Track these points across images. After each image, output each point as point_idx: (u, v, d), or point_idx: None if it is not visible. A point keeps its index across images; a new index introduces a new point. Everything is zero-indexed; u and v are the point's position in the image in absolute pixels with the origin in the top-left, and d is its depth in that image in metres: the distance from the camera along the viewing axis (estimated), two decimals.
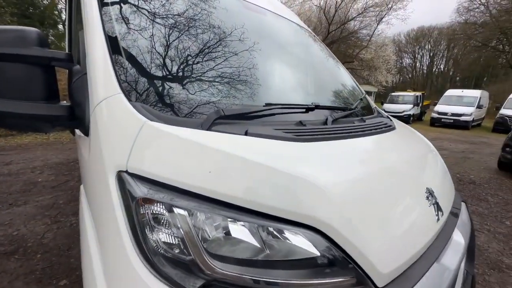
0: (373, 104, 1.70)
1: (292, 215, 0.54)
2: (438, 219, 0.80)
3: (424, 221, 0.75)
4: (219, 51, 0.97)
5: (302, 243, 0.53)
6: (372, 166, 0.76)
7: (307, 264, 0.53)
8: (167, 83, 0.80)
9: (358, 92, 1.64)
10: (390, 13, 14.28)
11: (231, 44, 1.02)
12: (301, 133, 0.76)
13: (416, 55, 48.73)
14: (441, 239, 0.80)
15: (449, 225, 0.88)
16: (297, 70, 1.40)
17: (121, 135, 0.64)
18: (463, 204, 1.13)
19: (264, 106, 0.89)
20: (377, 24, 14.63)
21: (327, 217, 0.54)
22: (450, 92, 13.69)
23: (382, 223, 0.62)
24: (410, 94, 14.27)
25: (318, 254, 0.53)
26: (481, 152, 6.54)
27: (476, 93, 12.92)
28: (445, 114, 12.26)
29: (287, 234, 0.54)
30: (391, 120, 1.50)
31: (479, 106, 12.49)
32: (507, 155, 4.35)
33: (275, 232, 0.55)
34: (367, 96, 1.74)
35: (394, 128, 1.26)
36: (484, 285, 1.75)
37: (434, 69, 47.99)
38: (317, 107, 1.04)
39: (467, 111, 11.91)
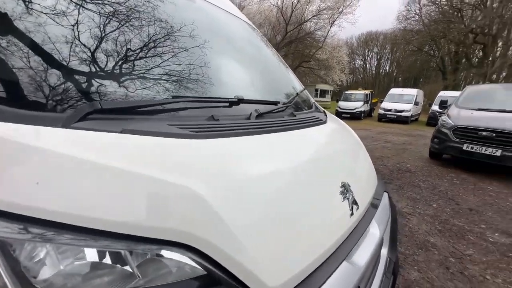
0: (311, 99, 1.71)
1: (162, 233, 0.44)
2: (352, 214, 0.79)
3: (335, 218, 0.72)
4: (99, 22, 0.74)
5: (176, 266, 0.43)
6: (282, 163, 0.71)
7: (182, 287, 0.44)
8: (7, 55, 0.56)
9: (296, 87, 1.62)
10: (341, 17, 15.34)
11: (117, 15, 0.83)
12: (204, 129, 0.66)
13: (366, 57, 53.53)
14: (356, 234, 0.79)
15: (366, 218, 0.88)
16: (222, 60, 1.27)
17: None
18: (385, 194, 1.18)
19: (171, 99, 0.78)
20: (330, 26, 15.60)
21: (204, 232, 0.46)
22: (393, 90, 15.29)
23: (282, 227, 0.57)
24: (361, 93, 15.56)
25: (194, 275, 0.44)
26: (417, 143, 7.42)
27: (413, 91, 14.67)
28: (390, 110, 13.66)
29: (161, 256, 0.44)
30: (325, 115, 1.51)
31: (416, 103, 14.21)
32: (435, 145, 4.98)
33: (145, 255, 0.44)
34: (306, 91, 1.73)
35: (324, 123, 1.26)
36: (413, 265, 1.92)
37: (381, 70, 53.30)
38: (241, 101, 0.96)
39: (407, 108, 13.45)
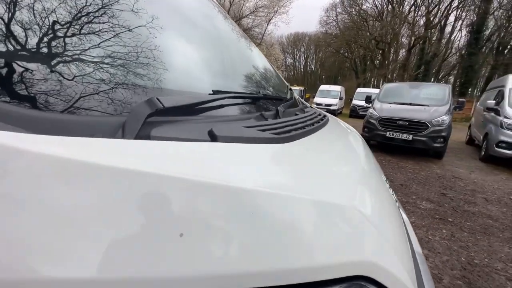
0: (294, 92, 1.72)
1: (334, 270, 0.34)
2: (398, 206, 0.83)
3: (397, 211, 0.74)
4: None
5: None
6: (358, 162, 0.68)
7: None
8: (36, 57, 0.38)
9: (283, 81, 1.60)
10: (276, 16, 16.16)
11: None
12: (278, 130, 0.56)
13: (295, 56, 58.38)
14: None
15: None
16: (219, 54, 1.14)
17: None
18: None
19: (210, 94, 0.64)
20: (267, 24, 16.22)
21: (377, 257, 0.38)
22: (322, 87, 17.26)
23: (398, 232, 0.54)
24: (296, 88, 16.92)
25: None
26: None
27: (338, 88, 16.94)
28: (321, 104, 15.39)
29: None
30: (321, 112, 1.56)
31: (340, 98, 16.47)
32: (365, 134, 5.89)
33: None
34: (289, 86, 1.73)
35: (328, 119, 1.29)
36: None
37: (308, 69, 59.24)
38: (265, 96, 0.88)
39: (334, 102, 15.45)
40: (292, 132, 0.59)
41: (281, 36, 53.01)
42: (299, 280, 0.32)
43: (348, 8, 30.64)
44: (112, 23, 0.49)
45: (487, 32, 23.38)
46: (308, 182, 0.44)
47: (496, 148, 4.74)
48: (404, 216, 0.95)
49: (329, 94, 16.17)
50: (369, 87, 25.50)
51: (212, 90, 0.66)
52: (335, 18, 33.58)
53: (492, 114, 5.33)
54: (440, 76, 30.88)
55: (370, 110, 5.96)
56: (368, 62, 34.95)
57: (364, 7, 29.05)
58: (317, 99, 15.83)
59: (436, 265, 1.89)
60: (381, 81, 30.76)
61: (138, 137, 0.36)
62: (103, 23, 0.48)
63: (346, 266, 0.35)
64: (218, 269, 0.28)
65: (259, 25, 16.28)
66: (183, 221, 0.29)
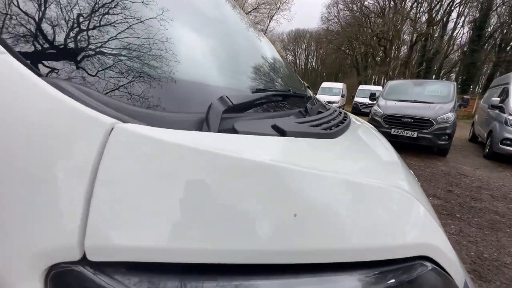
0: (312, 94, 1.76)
1: (398, 251, 0.39)
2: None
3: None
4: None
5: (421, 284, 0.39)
6: (391, 155, 0.72)
7: None
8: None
9: (299, 80, 1.63)
10: (279, 13, 16.07)
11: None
12: (328, 126, 0.60)
13: (296, 53, 58.15)
14: None
15: None
16: (249, 53, 1.19)
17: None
18: None
19: (253, 92, 0.68)
20: (269, 21, 16.14)
21: (432, 237, 0.42)
22: (324, 84, 17.24)
23: (435, 217, 0.58)
24: None
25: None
26: None
27: (340, 85, 16.92)
28: None
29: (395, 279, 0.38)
30: (342, 111, 1.59)
31: (342, 95, 16.46)
32: None
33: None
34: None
35: (350, 119, 1.33)
36: None
37: (309, 66, 59.06)
38: (295, 94, 0.92)
39: (336, 100, 15.43)
40: (333, 128, 0.63)
41: (282, 33, 52.79)
42: (360, 259, 0.36)
43: (350, 5, 30.43)
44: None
45: (489, 29, 23.30)
46: (364, 169, 0.48)
47: (500, 145, 4.78)
48: None
49: (331, 92, 16.16)
50: (370, 84, 25.48)
51: (256, 89, 0.70)
52: (336, 14, 33.43)
53: (497, 111, 5.36)
54: (442, 73, 30.81)
55: (375, 107, 5.98)
56: (369, 59, 34.82)
57: (366, 3, 28.85)
58: (319, 97, 15.71)
59: None
60: (382, 78, 30.74)
61: (219, 131, 0.40)
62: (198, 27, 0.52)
63: (409, 248, 0.39)
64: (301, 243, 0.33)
65: (261, 22, 16.22)
66: (288, 201, 0.33)
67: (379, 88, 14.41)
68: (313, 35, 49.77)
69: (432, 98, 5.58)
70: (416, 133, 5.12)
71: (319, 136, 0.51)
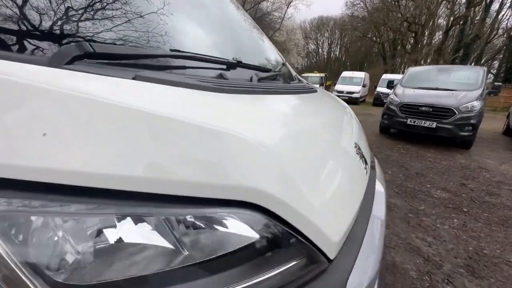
0: (293, 72, 1.70)
1: (216, 191, 0.36)
2: (366, 172, 0.80)
3: (359, 175, 0.72)
4: None
5: (234, 228, 0.36)
6: (304, 122, 0.67)
7: (244, 258, 0.37)
8: None
9: (279, 58, 1.58)
10: None
11: None
12: (223, 85, 0.57)
13: (318, 42, 55.89)
14: (370, 191, 0.81)
15: (372, 178, 0.92)
16: (212, 22, 1.16)
17: None
18: (375, 158, 1.26)
19: (170, 52, 0.66)
20: (287, 8, 15.60)
21: (267, 184, 0.39)
22: (344, 73, 16.45)
23: (324, 182, 0.53)
24: (316, 75, 16.34)
25: (258, 237, 0.37)
26: (368, 121, 8.23)
27: (361, 74, 16.03)
28: (342, 92, 14.73)
29: (212, 220, 0.36)
30: (312, 85, 1.52)
31: (364, 85, 15.61)
32: (384, 121, 5.58)
33: (194, 222, 0.35)
34: (287, 63, 1.72)
35: (316, 91, 1.26)
36: None
37: (332, 55, 56.56)
38: (239, 64, 0.87)
39: (356, 90, 14.69)
40: (236, 88, 0.60)
41: (303, 21, 50.88)
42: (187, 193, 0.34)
43: None
44: None
45: None
46: (216, 117, 0.44)
47: None
48: (380, 187, 0.91)
49: (352, 81, 15.39)
50: (398, 73, 23.79)
51: (170, 49, 0.68)
52: None
53: None
54: (483, 60, 27.77)
55: (391, 95, 5.61)
56: (398, 47, 32.37)
57: None
58: (338, 87, 15.15)
59: (439, 253, 1.80)
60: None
61: (66, 68, 0.40)
62: None
63: (233, 190, 0.36)
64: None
65: (278, 9, 15.73)
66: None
67: None
68: (337, 22, 47.35)
69: (457, 85, 5.08)
70: (435, 123, 4.73)
71: (180, 84, 0.48)
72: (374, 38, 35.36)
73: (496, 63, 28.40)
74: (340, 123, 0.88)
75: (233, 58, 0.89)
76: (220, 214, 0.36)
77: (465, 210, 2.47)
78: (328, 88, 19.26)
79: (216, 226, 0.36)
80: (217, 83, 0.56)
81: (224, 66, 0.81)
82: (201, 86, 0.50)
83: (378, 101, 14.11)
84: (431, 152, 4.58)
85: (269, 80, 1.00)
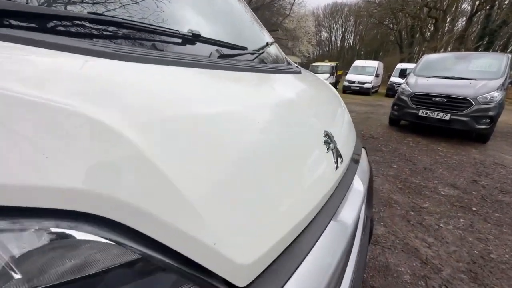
0: (282, 54, 1.54)
1: (42, 197, 0.24)
2: (337, 167, 0.66)
3: (321, 171, 0.59)
4: None
5: (76, 251, 0.24)
6: (252, 105, 0.53)
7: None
8: None
9: (265, 38, 1.42)
10: None
11: None
12: (134, 52, 0.44)
13: (332, 30, 53.75)
14: (341, 189, 0.68)
15: (350, 173, 0.78)
16: None
17: None
18: (363, 150, 1.11)
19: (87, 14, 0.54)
20: None
21: (134, 196, 0.27)
22: (356, 62, 15.75)
23: (255, 186, 0.41)
24: (327, 64, 15.74)
25: (109, 263, 0.26)
26: (378, 112, 7.87)
27: (375, 63, 15.29)
28: (353, 82, 14.16)
29: (44, 237, 0.24)
30: (299, 68, 1.37)
31: (376, 75, 14.91)
32: (395, 112, 5.28)
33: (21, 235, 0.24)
34: (276, 44, 1.56)
35: (299, 72, 1.11)
36: (379, 221, 2.01)
37: (345, 43, 54.40)
38: (198, 38, 0.74)
39: (368, 80, 14.05)
40: (152, 57, 0.47)
41: (316, 7, 48.85)
42: None
43: None
44: None
45: None
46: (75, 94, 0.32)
47: None
48: (359, 185, 0.77)
49: (364, 71, 14.72)
50: (414, 62, 22.57)
51: (89, 12, 0.55)
52: None
53: None
54: (510, 49, 25.82)
55: (403, 85, 5.26)
56: (416, 34, 30.57)
57: None
58: (349, 76, 14.53)
59: (439, 255, 1.65)
60: None
61: None
62: None
63: (69, 196, 0.24)
64: None
65: None
66: None
67: None
68: (352, 9, 45.23)
69: (476, 74, 4.68)
70: (448, 114, 4.41)
71: (50, 46, 0.35)
72: (391, 25, 33.54)
73: None
74: (310, 108, 0.73)
75: (188, 31, 0.75)
76: (54, 230, 0.24)
77: (474, 209, 2.27)
78: (339, 78, 18.55)
79: (51, 245, 0.25)
80: (127, 50, 0.44)
81: (178, 40, 0.69)
82: (90, 51, 0.38)
83: (391, 91, 13.45)
84: (442, 146, 4.29)
85: (238, 59, 0.86)
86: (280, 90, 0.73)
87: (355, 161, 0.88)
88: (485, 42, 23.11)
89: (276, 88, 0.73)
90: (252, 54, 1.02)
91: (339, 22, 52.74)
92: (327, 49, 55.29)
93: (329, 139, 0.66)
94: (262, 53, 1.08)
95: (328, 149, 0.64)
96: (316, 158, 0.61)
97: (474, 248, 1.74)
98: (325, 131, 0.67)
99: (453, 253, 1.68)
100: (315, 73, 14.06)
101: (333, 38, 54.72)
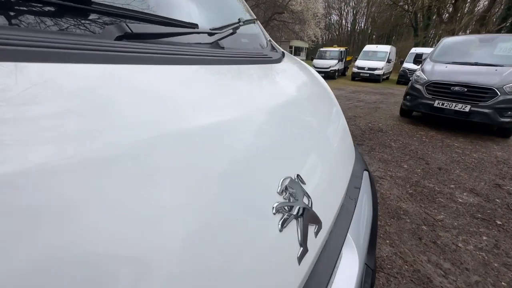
0: (267, 36, 1.20)
1: None
2: (304, 251, 0.35)
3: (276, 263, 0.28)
4: None
5: None
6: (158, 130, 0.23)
7: None
8: None
9: (241, 14, 1.06)
10: None
11: None
12: None
13: (342, 12, 51.06)
14: (315, 280, 0.36)
15: (336, 236, 0.46)
16: None
17: None
18: (365, 174, 0.78)
19: None
20: None
21: None
22: (367, 47, 14.83)
23: None
24: (335, 50, 14.86)
25: None
26: (388, 102, 7.34)
27: (387, 48, 14.35)
28: (363, 68, 13.37)
29: None
30: (283, 55, 1.03)
31: (388, 61, 14.03)
32: (407, 102, 4.81)
33: None
34: (258, 23, 1.21)
35: (277, 61, 0.78)
36: (385, 238, 1.71)
37: (356, 27, 51.75)
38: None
39: (379, 66, 13.22)
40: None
41: None
42: None
43: None
44: None
45: None
46: None
47: None
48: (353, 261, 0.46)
49: (375, 56, 13.86)
50: (430, 47, 21.20)
51: None
52: None
53: None
54: None
55: (417, 72, 4.75)
56: (433, 16, 28.56)
57: None
58: (359, 62, 13.71)
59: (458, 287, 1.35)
60: None
61: None
62: None
63: None
64: None
65: None
66: None
67: None
68: None
69: (504, 60, 4.12)
70: (468, 106, 3.94)
71: None
72: (406, 7, 31.39)
73: None
74: (277, 138, 0.41)
75: None
76: None
77: (498, 222, 1.93)
78: (349, 63, 17.61)
79: None
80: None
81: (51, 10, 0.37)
82: None
83: (404, 78, 12.68)
84: (459, 141, 3.87)
85: (171, 40, 0.54)
86: (237, 100, 0.41)
87: (347, 207, 0.56)
88: (508, 24, 21.37)
89: (233, 95, 0.41)
90: (211, 35, 0.69)
91: (351, 4, 49.91)
92: (337, 33, 52.81)
93: (291, 195, 0.35)
94: (222, 33, 0.74)
95: (286, 218, 0.33)
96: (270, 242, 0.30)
97: (501, 278, 1.43)
98: (287, 177, 0.35)
99: (475, 285, 1.37)
100: (322, 59, 13.54)
101: (343, 22, 52.09)
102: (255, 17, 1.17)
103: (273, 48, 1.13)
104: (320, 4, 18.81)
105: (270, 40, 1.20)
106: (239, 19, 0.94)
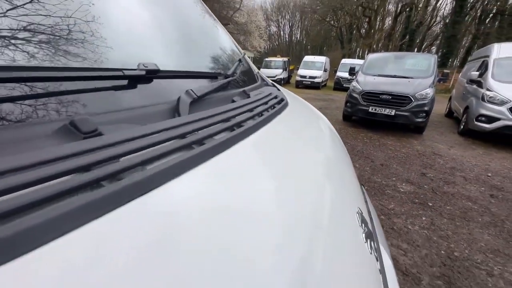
0: (255, 68, 1.29)
1: None
2: (377, 260, 0.50)
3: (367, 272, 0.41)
4: None
5: None
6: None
7: None
8: None
9: (235, 51, 1.13)
10: None
11: None
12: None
13: (280, 24, 55.15)
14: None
15: (376, 249, 0.63)
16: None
17: None
18: (362, 188, 0.99)
19: None
20: None
21: None
22: (306, 58, 16.46)
23: None
24: (280, 60, 16.03)
25: None
26: (331, 107, 8.33)
27: (322, 59, 16.23)
28: (305, 77, 14.79)
29: None
30: (278, 89, 1.16)
31: (325, 70, 15.88)
32: (348, 109, 5.60)
33: None
34: (246, 56, 1.28)
35: (287, 104, 0.91)
36: None
37: (293, 38, 56.58)
38: (156, 73, 0.46)
39: (318, 74, 14.86)
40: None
41: (264, 1, 49.30)
42: None
43: None
44: None
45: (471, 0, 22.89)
46: None
47: (475, 122, 4.64)
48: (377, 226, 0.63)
49: (314, 66, 15.49)
50: (354, 57, 24.88)
51: None
52: None
53: (474, 86, 5.17)
54: (424, 46, 30.66)
55: (353, 83, 5.61)
56: (354, 31, 33.69)
57: None
58: (301, 71, 15.12)
59: (415, 262, 1.71)
60: (366, 52, 30.11)
61: None
62: None
63: None
64: None
65: None
66: None
67: (362, 62, 13.93)
68: (297, 4, 47.01)
69: (412, 73, 5.27)
70: (394, 110, 4.87)
71: None
72: (332, 22, 36.13)
73: (434, 49, 31.64)
74: (332, 175, 0.55)
75: (140, 65, 0.46)
76: None
77: (430, 204, 2.49)
78: (292, 72, 19.17)
79: None
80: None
81: (123, 82, 0.41)
82: None
83: (338, 85, 14.53)
84: (391, 140, 4.73)
85: (217, 96, 0.62)
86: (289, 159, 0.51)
87: (367, 223, 0.74)
88: (407, 39, 26.91)
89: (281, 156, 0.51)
90: (226, 82, 0.76)
91: (286, 17, 54.40)
92: (277, 43, 56.65)
93: (362, 220, 0.49)
94: (235, 77, 0.83)
95: (364, 235, 0.46)
96: (358, 258, 0.43)
97: (440, 248, 1.87)
98: (358, 208, 0.49)
99: (425, 258, 1.77)
100: (268, 68, 14.22)
101: (281, 33, 56.26)
102: (243, 51, 1.27)
103: (263, 80, 1.24)
104: (260, 16, 19.98)
105: (258, 72, 1.31)
106: (239, 60, 1.03)
